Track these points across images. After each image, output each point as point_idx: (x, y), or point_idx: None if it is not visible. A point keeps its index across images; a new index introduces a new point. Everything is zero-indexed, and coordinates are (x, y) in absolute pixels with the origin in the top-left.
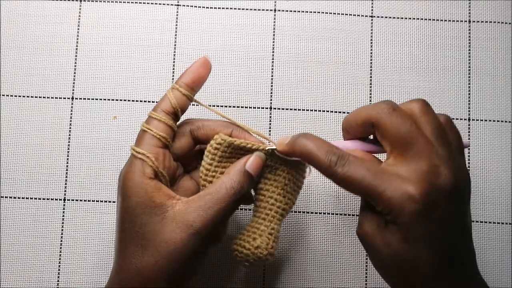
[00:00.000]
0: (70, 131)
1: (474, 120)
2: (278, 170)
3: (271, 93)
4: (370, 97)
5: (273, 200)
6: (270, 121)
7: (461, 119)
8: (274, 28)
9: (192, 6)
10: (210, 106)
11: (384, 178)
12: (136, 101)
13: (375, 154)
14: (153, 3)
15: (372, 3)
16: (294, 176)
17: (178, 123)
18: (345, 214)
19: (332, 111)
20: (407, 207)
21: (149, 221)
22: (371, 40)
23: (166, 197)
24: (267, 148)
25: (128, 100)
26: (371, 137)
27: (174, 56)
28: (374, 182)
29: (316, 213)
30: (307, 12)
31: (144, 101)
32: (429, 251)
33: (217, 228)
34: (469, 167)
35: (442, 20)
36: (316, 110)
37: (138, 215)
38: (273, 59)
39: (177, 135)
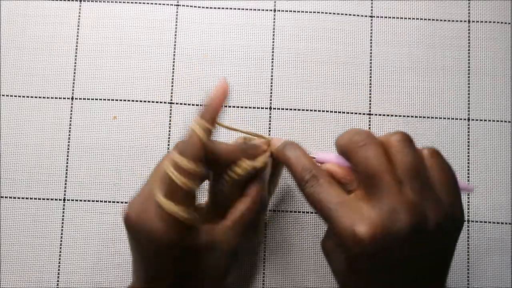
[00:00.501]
0: (70, 131)
1: (474, 120)
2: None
3: (271, 93)
4: (370, 97)
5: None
6: (270, 121)
7: (461, 119)
8: (274, 28)
9: (192, 6)
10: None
11: (344, 211)
12: (136, 101)
13: None
14: (153, 3)
15: (372, 3)
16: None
17: None
18: None
19: (332, 111)
20: (354, 247)
21: (185, 258)
22: (371, 40)
23: (197, 236)
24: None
25: (128, 100)
26: None
27: (174, 56)
28: (333, 212)
29: (317, 213)
30: (307, 12)
31: (144, 101)
32: (372, 286)
33: None
34: (469, 167)
35: (442, 20)
36: (316, 110)
37: (172, 258)
38: (273, 59)
39: None
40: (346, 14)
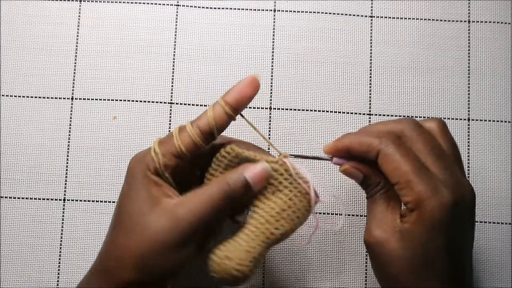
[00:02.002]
0: (70, 131)
1: (473, 120)
2: (281, 192)
3: (271, 93)
4: (370, 97)
5: (263, 220)
6: (270, 121)
7: (461, 119)
8: (274, 28)
9: (192, 6)
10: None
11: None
12: (136, 101)
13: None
14: (153, 3)
15: (372, 3)
16: (296, 205)
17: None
18: (345, 214)
19: (332, 111)
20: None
21: (140, 207)
22: (371, 40)
23: (163, 192)
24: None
25: (128, 100)
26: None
27: (174, 56)
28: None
29: (316, 213)
30: (307, 12)
31: (144, 101)
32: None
33: (205, 230)
34: (469, 167)
35: (442, 20)
36: (316, 110)
37: (132, 200)
38: (273, 59)
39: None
40: (346, 14)
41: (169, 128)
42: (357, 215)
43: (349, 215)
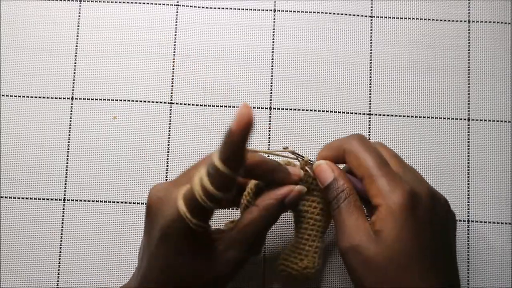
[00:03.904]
0: (70, 131)
1: (473, 120)
2: (315, 191)
3: (271, 93)
4: (370, 97)
5: (313, 221)
6: (270, 121)
7: (461, 119)
8: (273, 28)
9: (192, 6)
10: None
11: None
12: (136, 101)
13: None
14: (152, 3)
15: (372, 3)
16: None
17: None
18: None
19: (332, 111)
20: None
21: (192, 264)
22: (371, 40)
23: (208, 243)
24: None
25: (128, 100)
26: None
27: (174, 56)
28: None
29: None
30: (307, 12)
31: (144, 101)
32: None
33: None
34: (469, 167)
35: (441, 20)
36: (316, 110)
37: (180, 260)
38: (272, 59)
39: None
40: (346, 14)
41: (169, 128)
42: None
43: None
